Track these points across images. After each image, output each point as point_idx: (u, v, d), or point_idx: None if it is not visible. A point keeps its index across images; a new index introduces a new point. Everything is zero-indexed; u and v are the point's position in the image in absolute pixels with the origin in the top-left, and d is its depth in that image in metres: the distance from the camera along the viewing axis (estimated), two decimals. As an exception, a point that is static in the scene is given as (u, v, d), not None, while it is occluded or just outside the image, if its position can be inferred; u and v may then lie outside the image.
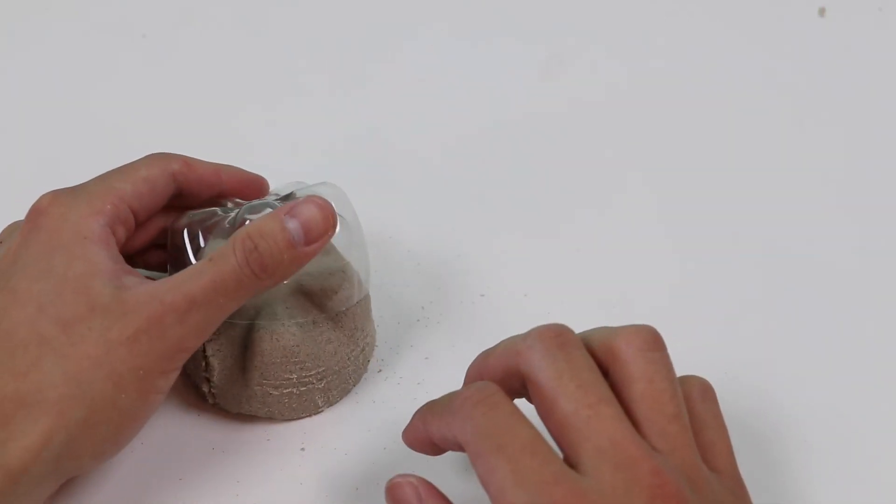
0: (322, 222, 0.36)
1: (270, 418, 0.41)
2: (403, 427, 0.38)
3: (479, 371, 0.35)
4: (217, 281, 0.34)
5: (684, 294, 0.46)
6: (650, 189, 0.51)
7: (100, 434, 0.34)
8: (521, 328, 0.34)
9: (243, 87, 0.56)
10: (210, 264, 0.34)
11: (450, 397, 0.33)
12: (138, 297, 0.34)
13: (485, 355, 0.35)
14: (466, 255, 0.48)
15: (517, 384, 0.33)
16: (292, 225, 0.35)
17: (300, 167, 0.52)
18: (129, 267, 0.36)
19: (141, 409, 0.35)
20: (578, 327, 0.46)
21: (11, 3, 0.61)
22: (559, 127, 0.54)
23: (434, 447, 0.35)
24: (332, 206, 0.36)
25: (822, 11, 0.59)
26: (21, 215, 0.49)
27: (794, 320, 0.45)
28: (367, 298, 0.42)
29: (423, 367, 0.43)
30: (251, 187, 0.41)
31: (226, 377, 0.39)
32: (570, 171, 0.51)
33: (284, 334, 0.38)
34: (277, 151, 0.53)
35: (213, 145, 0.53)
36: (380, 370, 0.43)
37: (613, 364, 0.32)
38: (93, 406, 0.33)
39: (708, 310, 0.45)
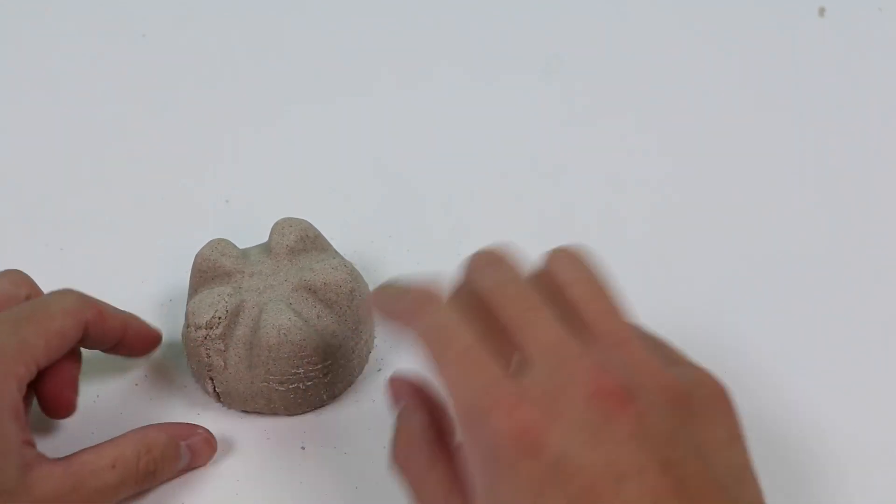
0: (205, 459, 0.39)
1: (275, 414, 0.41)
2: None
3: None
4: (117, 488, 0.36)
5: (681, 288, 0.46)
6: (648, 189, 0.51)
7: None
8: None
9: (243, 88, 0.56)
10: (114, 472, 0.36)
11: (407, 288, 0.35)
12: (44, 488, 0.34)
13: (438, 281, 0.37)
14: (466, 254, 0.47)
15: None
16: (184, 452, 0.38)
17: (300, 168, 0.52)
18: (29, 436, 0.35)
19: None
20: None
21: (12, 3, 0.61)
22: (558, 126, 0.54)
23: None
24: (215, 444, 0.39)
25: (821, 11, 0.59)
26: (16, 213, 0.49)
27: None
28: (367, 292, 0.42)
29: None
30: (146, 343, 0.42)
31: (231, 375, 0.40)
32: (569, 170, 0.51)
33: (291, 329, 0.38)
34: (276, 152, 0.53)
35: (212, 145, 0.53)
36: (379, 370, 0.43)
37: (549, 279, 0.34)
38: None
39: (701, 305, 0.45)
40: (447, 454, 0.34)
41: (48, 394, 0.39)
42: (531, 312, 0.32)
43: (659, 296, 0.46)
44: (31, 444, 0.35)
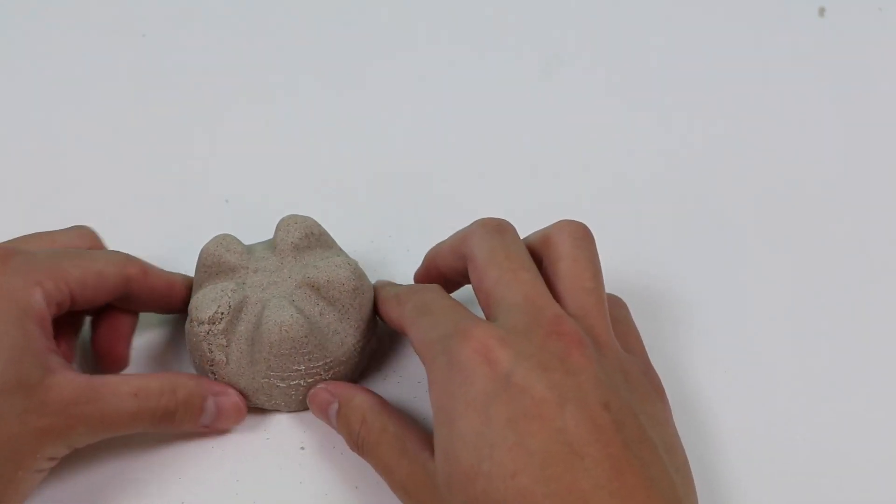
0: (231, 421, 0.40)
1: (276, 410, 0.41)
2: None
3: (434, 254, 0.40)
4: (133, 416, 0.36)
5: (677, 272, 0.46)
6: (647, 190, 0.51)
7: None
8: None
9: (243, 88, 0.56)
10: (134, 399, 0.36)
11: (402, 290, 0.39)
12: (62, 391, 0.35)
13: (439, 243, 0.40)
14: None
15: (462, 266, 0.38)
16: (210, 407, 0.39)
17: (300, 167, 0.52)
18: (55, 346, 0.36)
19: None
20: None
21: (12, 3, 0.61)
22: (558, 125, 0.54)
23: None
24: (245, 411, 0.40)
25: (821, 11, 0.59)
26: (16, 213, 0.49)
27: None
28: (370, 291, 0.42)
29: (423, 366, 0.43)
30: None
31: (232, 371, 0.40)
32: (571, 169, 0.51)
33: (293, 326, 0.38)
34: (277, 153, 0.53)
35: (211, 146, 0.53)
36: (379, 370, 0.43)
37: (545, 248, 0.36)
38: None
39: (699, 301, 0.45)
40: (398, 417, 0.37)
41: (102, 345, 0.40)
42: (510, 274, 0.35)
43: (653, 290, 0.46)
44: (58, 354, 0.36)
